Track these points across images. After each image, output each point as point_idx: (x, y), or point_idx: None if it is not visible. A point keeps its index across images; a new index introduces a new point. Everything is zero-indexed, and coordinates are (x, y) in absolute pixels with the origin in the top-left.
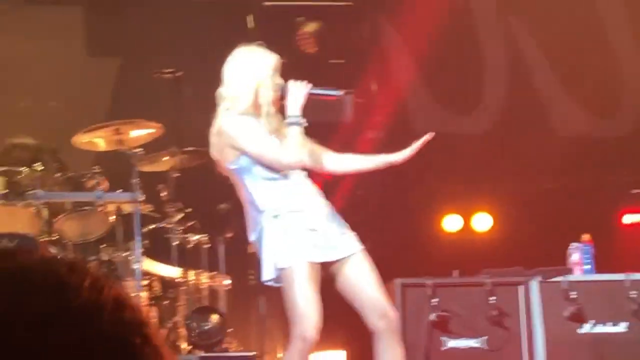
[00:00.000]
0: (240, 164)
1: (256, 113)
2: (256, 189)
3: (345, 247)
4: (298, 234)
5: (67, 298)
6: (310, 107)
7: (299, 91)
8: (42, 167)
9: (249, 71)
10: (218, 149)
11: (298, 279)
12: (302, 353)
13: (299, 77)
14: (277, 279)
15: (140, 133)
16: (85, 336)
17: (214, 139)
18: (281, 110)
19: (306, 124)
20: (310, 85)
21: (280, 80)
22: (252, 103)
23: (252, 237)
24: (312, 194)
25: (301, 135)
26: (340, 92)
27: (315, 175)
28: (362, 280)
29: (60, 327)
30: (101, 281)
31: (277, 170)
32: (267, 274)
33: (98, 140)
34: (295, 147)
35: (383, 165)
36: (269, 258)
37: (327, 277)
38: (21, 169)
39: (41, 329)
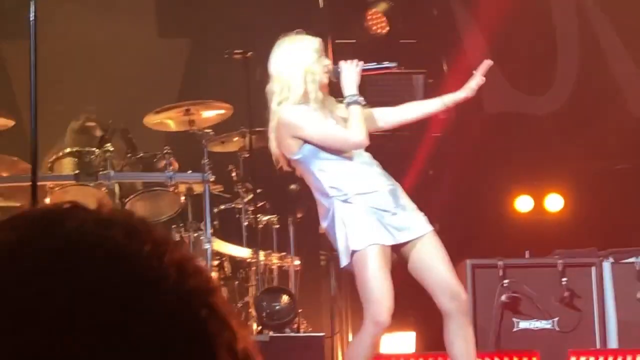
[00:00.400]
0: (303, 153)
1: (307, 100)
2: (323, 175)
3: (416, 228)
4: (368, 216)
5: (122, 270)
6: (382, 87)
7: (352, 70)
8: (113, 148)
9: (294, 60)
10: (278, 143)
11: (370, 263)
12: (374, 337)
13: (370, 57)
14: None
15: (210, 114)
16: (143, 312)
17: (272, 135)
18: (333, 92)
19: (365, 103)
20: (361, 63)
21: (328, 62)
22: (304, 91)
23: (323, 224)
24: (379, 175)
25: (362, 114)
26: (393, 64)
27: (386, 155)
28: (433, 262)
29: (112, 304)
30: (163, 246)
31: (343, 152)
32: (345, 260)
33: (168, 121)
34: (359, 125)
35: (444, 106)
36: (343, 243)
37: (398, 258)
38: (93, 149)
39: (90, 307)
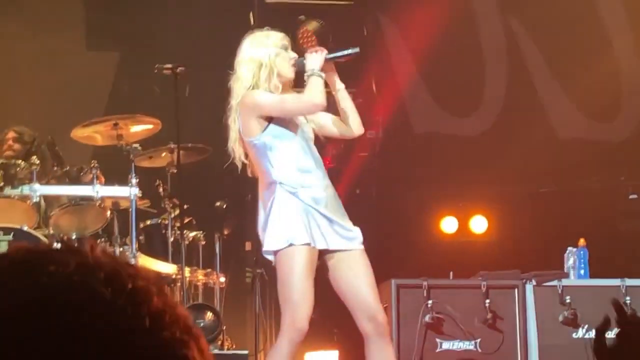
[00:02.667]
0: (263, 138)
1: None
2: (276, 163)
3: (350, 241)
4: (307, 214)
5: (95, 319)
6: None
7: (316, 55)
8: (39, 160)
9: (257, 54)
10: (243, 127)
11: (298, 262)
12: (292, 342)
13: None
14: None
15: (138, 128)
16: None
17: (232, 130)
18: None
19: (342, 85)
20: (325, 51)
21: (293, 55)
22: (266, 84)
23: (261, 212)
24: (328, 182)
25: (322, 84)
26: (355, 50)
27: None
28: (357, 280)
29: (82, 354)
30: (142, 294)
31: (306, 113)
32: (273, 244)
33: (96, 135)
34: (317, 89)
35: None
36: (279, 230)
37: (323, 265)
38: (18, 161)
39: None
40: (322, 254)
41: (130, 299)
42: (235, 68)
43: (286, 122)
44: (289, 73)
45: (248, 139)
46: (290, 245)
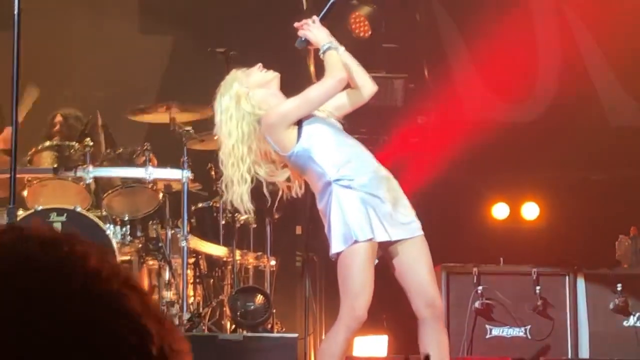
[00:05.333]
0: (301, 145)
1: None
2: (323, 163)
3: (409, 229)
4: (367, 207)
5: (31, 279)
6: None
7: (313, 27)
8: (93, 143)
9: (226, 103)
10: (277, 148)
11: (361, 256)
12: (349, 330)
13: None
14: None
15: (191, 112)
16: (50, 316)
17: (262, 167)
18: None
19: (341, 47)
20: (315, 17)
21: (256, 68)
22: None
23: (320, 204)
24: (378, 164)
25: (338, 57)
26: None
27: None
28: (417, 265)
29: (21, 310)
30: (78, 255)
31: (334, 93)
32: (338, 247)
33: (149, 118)
34: (337, 65)
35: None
36: (340, 229)
37: (383, 254)
38: (72, 143)
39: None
40: (384, 244)
41: (66, 261)
42: (222, 128)
43: (312, 121)
44: (268, 75)
45: (288, 153)
46: (354, 242)
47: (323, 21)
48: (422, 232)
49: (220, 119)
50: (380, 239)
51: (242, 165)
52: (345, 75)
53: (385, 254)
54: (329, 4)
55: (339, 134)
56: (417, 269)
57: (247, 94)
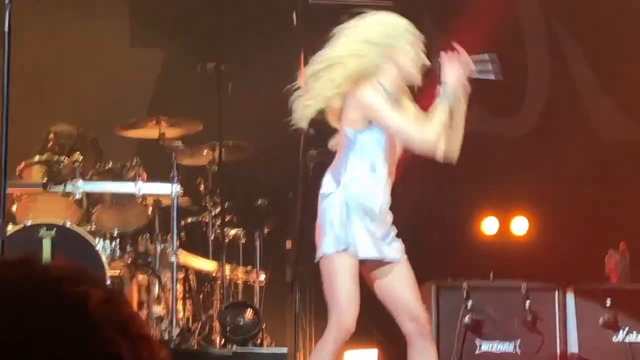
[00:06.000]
0: (359, 137)
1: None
2: (351, 165)
3: (395, 252)
4: (364, 223)
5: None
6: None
7: (455, 71)
8: (82, 157)
9: (383, 41)
10: (344, 114)
11: (345, 267)
12: (337, 342)
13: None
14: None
15: (180, 126)
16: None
17: (336, 102)
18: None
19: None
20: (470, 64)
21: (424, 59)
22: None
23: (324, 189)
24: (387, 199)
25: (445, 114)
26: (499, 77)
27: None
28: (399, 285)
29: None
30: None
31: (415, 147)
32: (328, 249)
33: (139, 133)
34: (439, 127)
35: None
36: (332, 234)
37: (366, 275)
38: (62, 158)
39: None
40: (370, 264)
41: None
42: (350, 40)
43: (381, 134)
44: (415, 78)
45: (344, 125)
46: (343, 250)
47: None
48: (405, 256)
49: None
50: (366, 255)
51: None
52: (434, 145)
53: (367, 274)
54: (488, 75)
55: (383, 161)
56: (399, 288)
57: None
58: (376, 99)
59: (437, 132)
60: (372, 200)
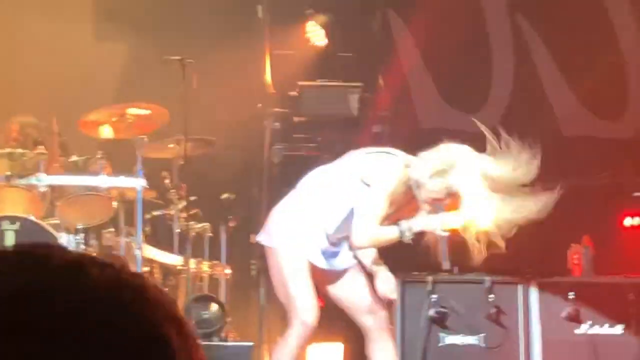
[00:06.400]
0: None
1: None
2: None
3: (343, 261)
4: (317, 229)
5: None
6: (317, 99)
7: (433, 222)
8: (46, 151)
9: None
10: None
11: (297, 260)
12: (301, 338)
13: (308, 68)
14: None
15: (145, 120)
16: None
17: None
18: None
19: (409, 241)
20: (461, 223)
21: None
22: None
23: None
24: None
25: (389, 238)
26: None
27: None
28: (352, 287)
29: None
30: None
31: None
32: (281, 242)
33: (103, 126)
34: (375, 240)
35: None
36: (285, 222)
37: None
38: (25, 151)
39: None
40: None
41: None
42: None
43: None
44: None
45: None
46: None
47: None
48: (355, 261)
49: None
50: (317, 264)
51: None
52: (359, 246)
53: (320, 284)
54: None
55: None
56: (352, 288)
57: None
58: (378, 197)
59: (371, 241)
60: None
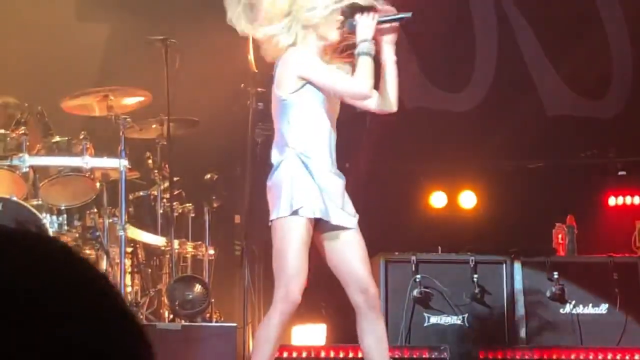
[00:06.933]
0: (293, 98)
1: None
2: (295, 127)
3: (347, 218)
4: (314, 186)
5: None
6: None
7: (368, 20)
8: (29, 131)
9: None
10: (276, 80)
11: (298, 233)
12: (284, 314)
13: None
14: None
15: (128, 100)
16: None
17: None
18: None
19: (394, 58)
20: (377, 15)
21: (340, 18)
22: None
23: (268, 182)
24: (333, 153)
25: (371, 65)
26: (408, 14)
27: None
28: (351, 254)
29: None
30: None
31: (351, 99)
32: (283, 211)
33: (86, 105)
34: (366, 75)
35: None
36: (287, 197)
37: (318, 241)
38: (7, 131)
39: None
40: (319, 227)
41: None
42: (264, 16)
43: (316, 91)
44: (334, 36)
45: (278, 91)
46: (293, 214)
47: (380, 25)
48: (357, 228)
49: None
50: (321, 215)
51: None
52: (369, 93)
53: (320, 241)
54: (397, 17)
55: (326, 121)
56: (351, 258)
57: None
58: (306, 59)
59: (367, 80)
60: (319, 157)
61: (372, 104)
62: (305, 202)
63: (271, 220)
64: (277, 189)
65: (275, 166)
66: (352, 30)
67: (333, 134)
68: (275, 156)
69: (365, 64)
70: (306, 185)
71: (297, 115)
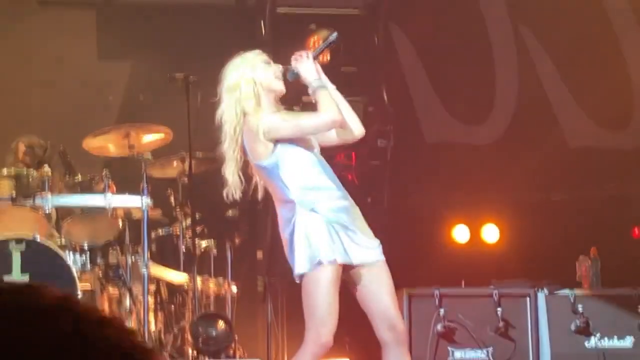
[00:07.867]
0: (272, 160)
1: (261, 110)
2: (290, 182)
3: (372, 253)
4: (331, 229)
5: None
6: None
7: (306, 62)
8: (51, 170)
9: (241, 75)
10: (249, 153)
11: (326, 280)
12: (315, 357)
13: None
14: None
15: (149, 138)
16: None
17: (231, 161)
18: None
19: (332, 86)
20: (310, 52)
21: (277, 67)
22: (255, 102)
23: (284, 233)
24: (344, 192)
25: (330, 95)
26: (333, 35)
27: None
28: (378, 289)
29: None
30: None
31: (324, 130)
32: (302, 267)
33: (108, 145)
34: (330, 104)
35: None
36: (305, 250)
37: (346, 278)
38: (30, 170)
39: None
40: (346, 268)
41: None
42: (223, 92)
43: (291, 140)
44: (277, 86)
45: (257, 162)
46: (318, 264)
47: (317, 58)
48: (383, 257)
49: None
50: (343, 260)
51: (233, 144)
52: (339, 118)
53: (347, 277)
54: (326, 43)
55: (313, 157)
56: (378, 293)
57: (251, 85)
58: (265, 123)
59: (331, 107)
60: (325, 194)
61: (331, 137)
62: (323, 253)
63: (297, 276)
64: (297, 247)
65: (285, 224)
66: (297, 78)
67: (322, 161)
68: (284, 216)
69: (323, 96)
70: (322, 235)
71: (286, 172)
